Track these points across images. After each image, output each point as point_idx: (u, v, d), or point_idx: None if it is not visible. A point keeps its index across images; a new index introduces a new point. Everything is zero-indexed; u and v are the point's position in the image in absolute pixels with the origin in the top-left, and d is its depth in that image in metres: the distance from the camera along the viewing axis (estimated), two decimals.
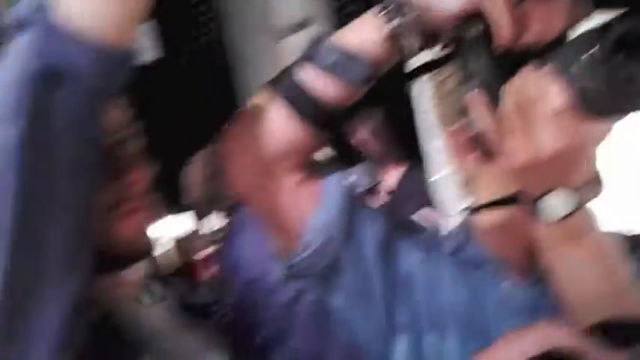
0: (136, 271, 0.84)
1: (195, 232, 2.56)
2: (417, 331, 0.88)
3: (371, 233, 0.89)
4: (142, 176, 0.78)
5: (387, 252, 0.90)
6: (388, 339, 0.89)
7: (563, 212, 0.71)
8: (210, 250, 2.32)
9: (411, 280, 0.90)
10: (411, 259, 0.91)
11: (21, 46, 0.63)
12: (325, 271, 0.87)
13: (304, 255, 0.86)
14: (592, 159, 0.74)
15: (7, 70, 0.63)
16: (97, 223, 0.70)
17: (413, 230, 0.96)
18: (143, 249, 0.80)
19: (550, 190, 0.71)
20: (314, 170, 0.88)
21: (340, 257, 0.87)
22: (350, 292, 0.88)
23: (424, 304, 0.89)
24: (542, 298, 0.86)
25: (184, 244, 2.56)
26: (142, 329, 0.79)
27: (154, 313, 0.86)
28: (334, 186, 0.88)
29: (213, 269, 2.25)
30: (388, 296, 0.89)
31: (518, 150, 0.69)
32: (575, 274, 0.73)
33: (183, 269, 2.39)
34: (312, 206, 0.86)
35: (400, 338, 0.89)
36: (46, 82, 0.61)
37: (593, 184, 0.76)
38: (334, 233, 0.86)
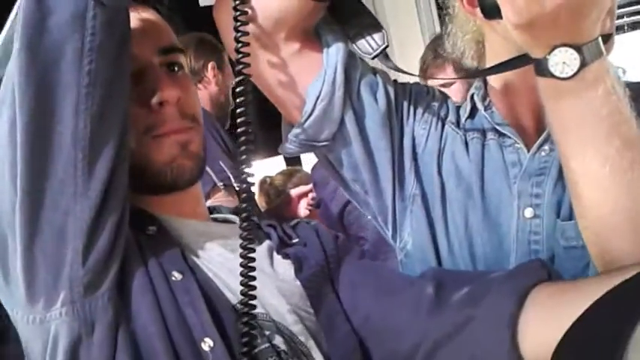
0: (194, 193, 0.81)
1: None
2: (426, 201, 0.87)
3: (373, 101, 0.86)
4: (170, 99, 0.75)
5: (392, 119, 0.88)
6: (399, 209, 0.89)
7: (569, 69, 0.66)
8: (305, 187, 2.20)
9: (417, 149, 0.89)
10: (417, 126, 0.89)
11: None
12: (330, 141, 0.86)
13: (305, 124, 0.84)
14: (603, 11, 0.68)
15: None
16: (135, 146, 0.72)
17: (420, 96, 0.91)
18: (182, 173, 0.76)
19: (557, 47, 0.65)
20: (313, 39, 0.84)
21: (343, 126, 0.85)
22: (357, 163, 0.87)
23: (429, 174, 0.88)
24: (548, 162, 0.84)
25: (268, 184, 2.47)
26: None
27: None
28: (334, 54, 0.83)
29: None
30: (396, 166, 0.88)
31: (522, 5, 0.64)
32: (580, 131, 0.68)
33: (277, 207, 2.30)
34: (311, 75, 0.83)
35: (411, 208, 0.88)
36: (35, 8, 0.63)
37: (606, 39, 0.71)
38: (334, 102, 0.83)
